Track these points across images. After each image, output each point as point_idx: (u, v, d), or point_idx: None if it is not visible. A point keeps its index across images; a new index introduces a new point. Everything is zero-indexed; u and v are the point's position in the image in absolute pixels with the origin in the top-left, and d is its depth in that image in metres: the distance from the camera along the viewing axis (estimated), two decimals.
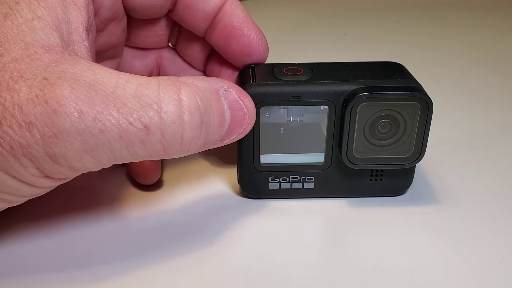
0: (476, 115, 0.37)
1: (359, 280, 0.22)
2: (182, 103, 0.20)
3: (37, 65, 0.18)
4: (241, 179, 0.26)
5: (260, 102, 0.24)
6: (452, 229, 0.25)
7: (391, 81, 0.24)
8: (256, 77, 0.25)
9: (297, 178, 0.26)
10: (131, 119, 0.19)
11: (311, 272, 0.22)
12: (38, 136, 0.18)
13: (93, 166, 0.20)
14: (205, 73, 0.29)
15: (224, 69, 0.28)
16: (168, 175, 0.29)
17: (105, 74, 0.19)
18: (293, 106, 0.24)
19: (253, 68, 0.26)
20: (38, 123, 0.18)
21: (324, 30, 0.57)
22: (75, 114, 0.18)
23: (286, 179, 0.26)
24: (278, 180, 0.26)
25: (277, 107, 0.24)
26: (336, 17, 0.62)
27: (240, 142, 0.25)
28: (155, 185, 0.28)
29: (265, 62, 0.27)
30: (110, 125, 0.18)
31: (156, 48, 0.29)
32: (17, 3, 0.19)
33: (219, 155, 0.31)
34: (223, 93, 0.22)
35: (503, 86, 0.42)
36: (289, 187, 0.26)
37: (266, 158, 0.25)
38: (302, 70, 0.25)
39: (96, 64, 0.20)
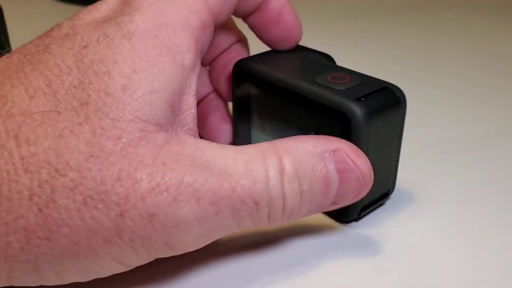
0: (476, 116, 0.37)
1: (359, 280, 0.22)
2: (283, 173, 0.19)
3: (153, 148, 0.17)
4: None
5: None
6: (452, 229, 0.25)
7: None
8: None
9: None
10: (243, 197, 0.18)
11: (311, 272, 0.22)
12: (159, 227, 0.17)
13: (202, 245, 0.19)
14: (209, 72, 0.29)
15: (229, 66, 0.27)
16: None
17: (213, 153, 0.19)
18: None
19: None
20: (160, 214, 0.17)
21: (325, 29, 0.57)
22: (194, 200, 0.17)
23: None
24: None
25: None
26: (337, 17, 0.62)
27: None
28: None
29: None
30: (225, 206, 0.18)
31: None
32: (135, 71, 0.17)
33: None
34: (330, 154, 0.20)
35: (503, 86, 0.42)
36: None
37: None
38: (348, 78, 0.24)
39: (200, 140, 0.19)
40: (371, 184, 0.21)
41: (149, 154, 0.17)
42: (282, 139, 0.21)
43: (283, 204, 0.19)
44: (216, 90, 0.29)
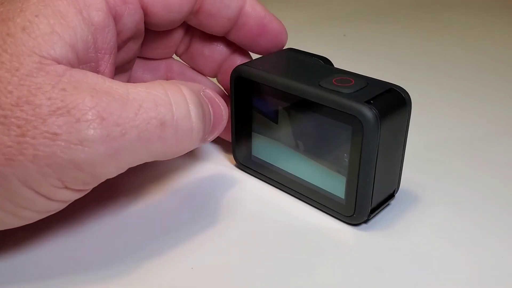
0: (476, 116, 0.37)
1: (359, 280, 0.22)
2: (187, 99, 0.21)
3: (52, 77, 0.19)
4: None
5: None
6: (452, 229, 0.25)
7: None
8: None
9: None
10: (148, 119, 0.20)
11: (311, 272, 0.22)
12: (63, 145, 0.18)
13: (114, 170, 0.20)
14: (218, 79, 0.30)
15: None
16: (165, 177, 0.29)
17: (115, 82, 0.20)
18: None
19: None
20: (63, 133, 0.18)
21: (324, 30, 0.57)
22: (97, 121, 0.19)
23: None
24: None
25: None
26: (336, 17, 0.62)
27: None
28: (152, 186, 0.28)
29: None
30: (130, 127, 0.19)
31: (165, 59, 0.30)
32: (36, 16, 0.19)
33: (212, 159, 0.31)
34: (203, 92, 0.23)
35: (502, 86, 0.42)
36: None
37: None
38: (353, 81, 0.24)
39: (101, 75, 0.20)
40: (228, 118, 0.25)
41: (48, 82, 0.18)
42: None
43: (191, 126, 0.21)
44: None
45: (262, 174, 0.28)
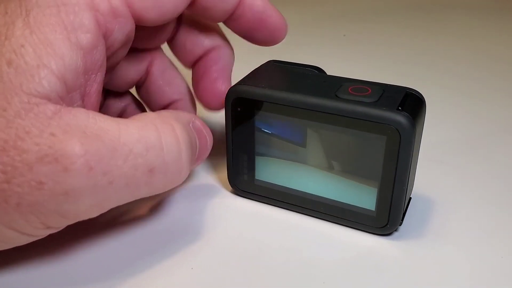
0: (476, 116, 0.37)
1: (358, 280, 0.22)
2: (180, 140, 0.20)
3: (41, 120, 0.18)
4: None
5: None
6: (452, 229, 0.25)
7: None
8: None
9: None
10: (137, 165, 0.19)
11: (311, 272, 0.22)
12: (48, 194, 0.18)
13: (96, 214, 0.20)
14: (193, 70, 0.28)
15: (215, 67, 0.27)
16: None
17: (106, 120, 0.19)
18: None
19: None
20: (49, 182, 0.17)
21: (324, 31, 0.57)
22: (85, 170, 0.18)
23: None
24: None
25: None
26: (336, 18, 0.62)
27: None
28: None
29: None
30: (117, 176, 0.19)
31: (151, 50, 0.28)
32: (22, 46, 0.18)
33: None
34: (192, 124, 0.23)
35: (502, 87, 0.42)
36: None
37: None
38: (369, 91, 0.23)
39: (92, 111, 0.19)
40: (211, 147, 0.25)
41: (37, 125, 0.17)
42: (162, 110, 0.22)
43: (180, 167, 0.21)
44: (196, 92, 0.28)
45: (268, 198, 0.26)
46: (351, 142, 0.23)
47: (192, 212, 0.26)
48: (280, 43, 0.27)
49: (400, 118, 0.21)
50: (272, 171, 0.26)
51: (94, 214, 0.19)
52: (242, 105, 0.24)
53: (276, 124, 0.24)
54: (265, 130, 0.25)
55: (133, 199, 0.20)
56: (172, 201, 0.27)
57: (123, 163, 0.19)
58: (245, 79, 0.25)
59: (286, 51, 0.47)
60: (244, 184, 0.27)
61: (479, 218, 0.25)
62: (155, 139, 0.20)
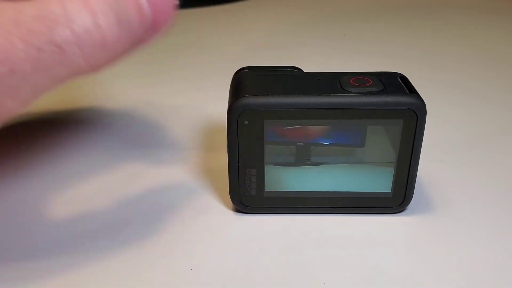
0: (476, 116, 0.37)
1: (359, 280, 0.22)
2: (91, 8, 0.17)
3: None
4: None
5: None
6: (452, 229, 0.25)
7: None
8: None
9: None
10: (40, 45, 0.16)
11: (311, 272, 0.22)
12: None
13: (17, 106, 0.18)
14: None
15: None
16: (164, 180, 0.29)
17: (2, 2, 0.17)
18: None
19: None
20: None
21: (324, 30, 0.57)
22: None
23: None
24: None
25: None
26: (336, 17, 0.62)
27: None
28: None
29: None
30: (20, 61, 0.16)
31: None
32: None
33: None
34: None
35: (502, 87, 0.42)
36: None
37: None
38: (371, 81, 0.24)
39: None
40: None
41: None
42: None
43: (100, 39, 0.17)
44: None
45: (280, 207, 0.26)
46: (368, 132, 0.24)
47: (191, 218, 0.26)
48: (280, 43, 0.26)
49: (415, 100, 0.23)
50: (283, 179, 0.25)
51: (12, 106, 0.17)
52: (250, 118, 0.23)
53: (285, 132, 0.24)
54: (276, 139, 0.24)
55: (54, 82, 0.18)
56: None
57: (23, 44, 0.16)
58: (238, 92, 0.24)
59: (287, 52, 0.47)
60: (251, 199, 0.25)
61: (479, 219, 0.26)
62: (59, 11, 0.17)
